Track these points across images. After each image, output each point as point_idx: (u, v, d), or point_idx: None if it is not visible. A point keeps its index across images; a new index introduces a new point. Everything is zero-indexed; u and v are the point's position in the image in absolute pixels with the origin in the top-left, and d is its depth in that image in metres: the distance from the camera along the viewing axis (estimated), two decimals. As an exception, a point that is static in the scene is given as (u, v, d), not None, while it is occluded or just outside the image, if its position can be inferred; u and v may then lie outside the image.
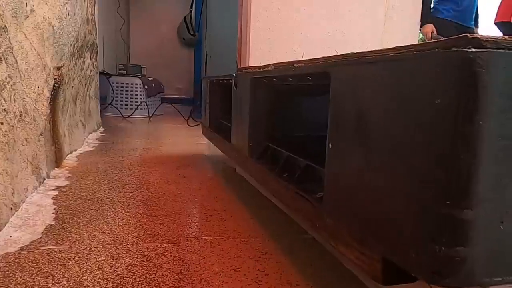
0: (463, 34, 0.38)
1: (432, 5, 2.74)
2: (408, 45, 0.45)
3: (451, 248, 0.37)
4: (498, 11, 2.73)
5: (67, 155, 1.60)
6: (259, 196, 1.20)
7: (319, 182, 0.69)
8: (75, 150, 1.75)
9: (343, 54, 0.58)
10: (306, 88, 0.98)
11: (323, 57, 0.64)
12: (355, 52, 0.56)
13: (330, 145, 0.59)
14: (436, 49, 0.38)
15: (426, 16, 2.55)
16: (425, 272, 0.40)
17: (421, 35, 2.69)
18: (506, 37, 0.38)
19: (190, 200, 1.18)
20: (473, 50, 0.34)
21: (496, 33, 2.75)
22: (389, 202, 0.44)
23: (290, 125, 1.08)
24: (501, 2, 2.74)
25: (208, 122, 1.63)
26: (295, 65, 0.79)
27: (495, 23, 2.77)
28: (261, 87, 1.00)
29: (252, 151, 1.01)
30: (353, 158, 0.52)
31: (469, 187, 0.36)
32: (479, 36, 0.37)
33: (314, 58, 0.69)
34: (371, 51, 0.51)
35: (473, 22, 2.85)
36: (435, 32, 2.70)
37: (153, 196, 1.18)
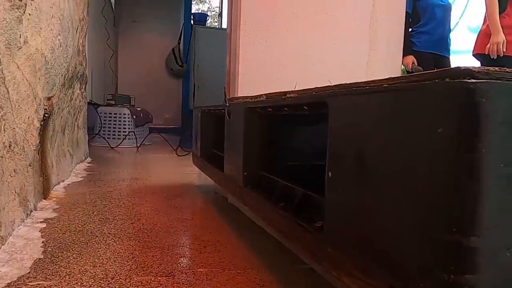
0: (456, 66, 0.39)
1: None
2: (402, 76, 0.47)
3: (460, 276, 0.37)
4: (475, 44, 2.85)
5: (55, 186, 1.57)
6: (253, 226, 1.19)
7: (318, 211, 0.69)
8: (63, 181, 1.72)
9: (339, 84, 0.59)
10: (301, 117, 1.00)
11: (320, 87, 0.65)
12: (348, 82, 0.57)
13: (330, 174, 0.59)
14: (437, 80, 0.39)
15: (407, 48, 2.65)
16: (434, 301, 0.39)
17: (403, 66, 2.77)
18: (496, 68, 0.40)
19: (182, 231, 1.15)
20: (474, 80, 0.36)
21: (473, 64, 2.86)
22: (394, 231, 0.44)
23: (285, 153, 1.08)
24: (478, 35, 2.87)
25: (200, 151, 1.63)
26: (288, 95, 0.81)
27: (473, 55, 2.88)
28: (255, 116, 1.01)
29: (247, 180, 1.00)
30: (354, 186, 0.53)
31: (475, 214, 0.36)
32: (471, 68, 0.39)
33: (310, 88, 0.71)
34: (367, 82, 0.52)
35: (448, 52, 2.97)
36: (415, 63, 2.80)
37: (145, 227, 1.15)
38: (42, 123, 1.33)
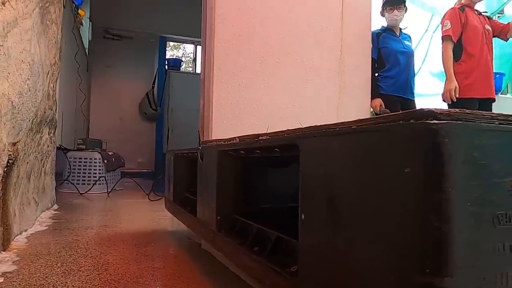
0: (420, 108, 0.41)
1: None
2: (369, 118, 0.48)
3: (436, 319, 0.36)
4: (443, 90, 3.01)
5: (16, 236, 1.48)
6: (227, 272, 1.15)
7: (292, 255, 0.67)
8: (25, 231, 1.62)
9: (310, 127, 0.60)
10: (274, 159, 1.00)
11: (291, 130, 0.66)
12: (319, 124, 0.58)
13: (303, 216, 0.58)
14: (401, 121, 0.40)
15: (375, 91, 2.79)
16: None
17: (371, 109, 2.88)
18: (457, 110, 0.42)
19: (152, 281, 1.09)
20: (436, 122, 0.37)
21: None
22: (367, 274, 0.43)
23: (258, 196, 1.07)
24: (444, 83, 3.04)
25: (172, 196, 1.59)
26: (261, 138, 0.81)
27: (443, 100, 3.04)
28: (227, 159, 1.00)
29: (220, 224, 0.98)
30: (327, 228, 0.52)
31: (447, 254, 0.36)
32: (433, 109, 0.40)
33: (281, 131, 0.71)
34: (336, 124, 0.53)
35: (413, 95, 3.14)
36: (383, 106, 2.92)
37: (112, 278, 1.08)
38: (5, 169, 1.27)
